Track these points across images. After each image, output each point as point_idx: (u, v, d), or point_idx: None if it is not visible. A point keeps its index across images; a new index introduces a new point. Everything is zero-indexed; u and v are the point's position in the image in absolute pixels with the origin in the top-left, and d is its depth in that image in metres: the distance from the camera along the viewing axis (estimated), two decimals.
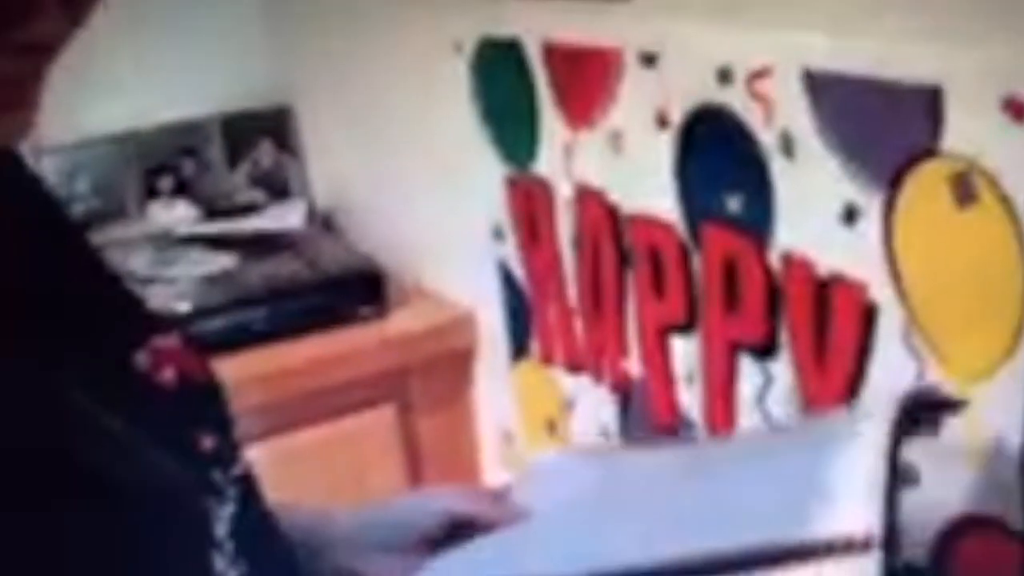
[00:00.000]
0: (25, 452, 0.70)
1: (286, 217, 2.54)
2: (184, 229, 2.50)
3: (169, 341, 0.90)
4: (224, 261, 2.31)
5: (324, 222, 2.59)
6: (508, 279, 1.94)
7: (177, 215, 2.57)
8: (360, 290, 2.19)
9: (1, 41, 0.67)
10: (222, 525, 0.84)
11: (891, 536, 0.86)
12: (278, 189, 2.71)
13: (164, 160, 2.64)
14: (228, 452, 0.89)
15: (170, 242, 2.44)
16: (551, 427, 1.95)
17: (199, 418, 0.88)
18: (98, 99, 2.51)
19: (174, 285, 2.20)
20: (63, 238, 0.94)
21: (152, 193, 2.63)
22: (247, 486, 0.92)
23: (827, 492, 0.90)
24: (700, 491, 1.01)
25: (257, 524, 0.92)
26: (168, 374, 0.87)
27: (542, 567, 1.00)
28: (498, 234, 1.93)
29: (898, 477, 0.91)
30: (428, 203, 2.23)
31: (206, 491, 0.84)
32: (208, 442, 0.87)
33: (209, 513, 0.83)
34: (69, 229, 0.96)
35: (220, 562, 0.82)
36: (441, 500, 1.16)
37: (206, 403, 0.91)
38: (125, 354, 0.85)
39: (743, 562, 0.90)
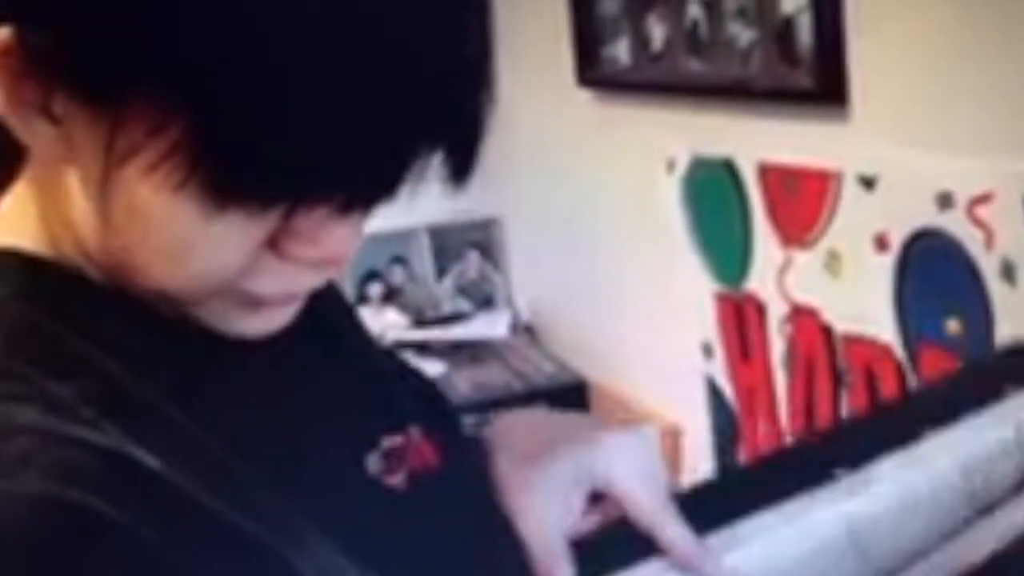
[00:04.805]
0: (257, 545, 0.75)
1: (491, 326, 2.61)
2: (394, 335, 2.58)
3: (403, 438, 0.94)
4: (434, 367, 2.39)
5: (527, 331, 2.65)
6: (716, 394, 1.96)
7: (386, 321, 2.66)
8: (566, 400, 2.24)
9: (303, 257, 0.74)
10: None
11: None
12: (483, 299, 2.79)
13: (375, 268, 2.74)
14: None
15: None
16: None
17: (427, 516, 0.92)
18: None
19: None
20: (341, 335, 0.99)
21: (362, 299, 2.73)
22: None
23: None
24: None
25: None
26: (398, 478, 0.91)
27: None
28: (707, 350, 1.96)
29: None
30: (635, 317, 2.27)
31: None
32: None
33: None
34: (350, 326, 1.01)
35: None
36: (613, 469, 0.90)
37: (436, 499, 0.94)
38: (358, 457, 0.90)
39: None
